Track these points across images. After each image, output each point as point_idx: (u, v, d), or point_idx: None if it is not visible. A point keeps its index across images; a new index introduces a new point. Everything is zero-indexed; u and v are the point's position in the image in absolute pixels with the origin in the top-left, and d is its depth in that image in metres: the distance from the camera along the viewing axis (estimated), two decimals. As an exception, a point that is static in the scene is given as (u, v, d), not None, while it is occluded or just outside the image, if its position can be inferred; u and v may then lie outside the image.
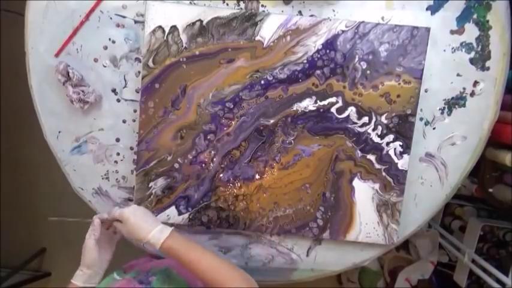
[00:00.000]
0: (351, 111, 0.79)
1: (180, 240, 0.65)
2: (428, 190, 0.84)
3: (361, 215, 0.82)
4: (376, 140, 0.80)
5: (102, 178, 0.86)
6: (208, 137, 0.80)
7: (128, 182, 0.85)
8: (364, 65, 0.77)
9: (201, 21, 0.77)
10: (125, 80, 0.81)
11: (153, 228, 0.65)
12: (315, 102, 0.79)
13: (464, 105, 0.81)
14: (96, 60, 0.81)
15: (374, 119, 0.79)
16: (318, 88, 0.78)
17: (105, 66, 0.81)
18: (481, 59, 0.79)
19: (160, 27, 0.77)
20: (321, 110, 0.79)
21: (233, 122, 0.80)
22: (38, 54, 0.81)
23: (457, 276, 1.26)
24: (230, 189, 0.82)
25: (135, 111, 0.82)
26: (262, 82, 0.78)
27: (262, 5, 0.79)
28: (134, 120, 0.82)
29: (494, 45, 0.78)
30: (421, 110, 0.81)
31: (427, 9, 0.78)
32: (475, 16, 0.78)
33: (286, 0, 0.78)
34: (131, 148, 0.84)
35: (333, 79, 0.78)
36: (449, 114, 0.81)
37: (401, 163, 0.80)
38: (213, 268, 0.63)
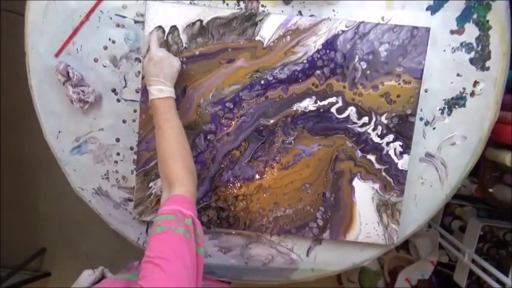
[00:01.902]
0: (351, 111, 0.79)
1: (168, 108, 0.70)
2: (428, 190, 0.84)
3: (361, 215, 0.82)
4: (376, 140, 0.80)
5: (102, 178, 0.86)
6: (208, 137, 0.80)
7: (127, 182, 0.85)
8: (364, 65, 0.77)
9: (201, 21, 0.77)
10: (125, 80, 0.81)
11: (157, 84, 0.70)
12: (315, 102, 0.79)
13: (464, 105, 0.81)
14: (96, 60, 0.81)
15: (374, 119, 0.79)
16: (318, 88, 0.78)
17: (105, 66, 0.81)
18: (481, 59, 0.79)
19: (160, 27, 0.77)
20: (321, 110, 0.79)
21: (233, 122, 0.80)
22: (38, 54, 0.81)
23: (457, 276, 1.26)
24: (230, 189, 0.82)
25: (135, 111, 0.82)
26: (262, 82, 0.78)
27: (262, 5, 0.79)
28: (134, 120, 0.82)
29: (494, 45, 0.78)
30: (421, 110, 0.81)
31: (427, 9, 0.78)
32: (475, 16, 0.78)
33: (286, 0, 0.78)
34: (131, 148, 0.84)
35: (333, 79, 0.78)
36: (449, 114, 0.81)
37: (401, 163, 0.80)
38: (166, 148, 0.67)
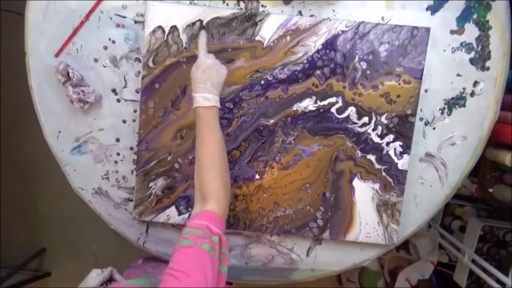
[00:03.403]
0: (351, 111, 0.79)
1: (212, 118, 0.69)
2: (428, 190, 0.84)
3: (361, 215, 0.82)
4: (376, 140, 0.80)
5: (102, 178, 0.86)
6: (208, 137, 0.80)
7: (128, 182, 0.85)
8: (364, 65, 0.77)
9: (201, 21, 0.77)
10: (125, 80, 0.81)
11: (204, 91, 0.69)
12: (315, 102, 0.79)
13: (464, 105, 0.81)
14: (96, 60, 0.81)
15: (374, 119, 0.79)
16: (318, 88, 0.78)
17: (105, 66, 0.81)
18: (481, 59, 0.79)
19: (160, 27, 0.77)
20: (321, 110, 0.79)
21: (233, 122, 0.80)
22: (38, 54, 0.81)
23: (457, 276, 1.26)
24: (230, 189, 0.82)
25: (135, 111, 0.82)
26: (262, 82, 0.78)
27: (262, 5, 0.79)
28: (134, 120, 0.82)
29: (494, 45, 0.78)
30: (421, 110, 0.81)
31: (427, 9, 0.78)
32: (475, 16, 0.78)
33: (286, 0, 0.78)
34: (131, 148, 0.84)
35: (333, 79, 0.78)
36: (449, 114, 0.81)
37: (401, 163, 0.80)
38: (208, 161, 0.66)
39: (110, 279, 0.68)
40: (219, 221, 0.61)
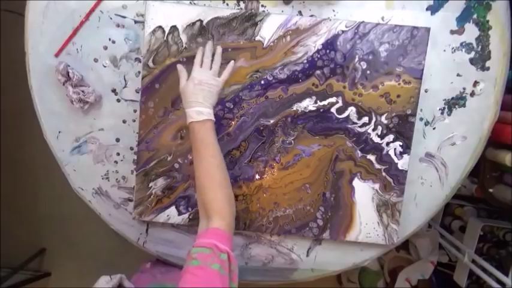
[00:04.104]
0: (351, 111, 0.79)
1: (206, 132, 0.68)
2: (428, 190, 0.84)
3: (361, 215, 0.82)
4: (376, 140, 0.80)
5: (102, 178, 0.86)
6: (208, 137, 0.80)
7: (128, 182, 0.85)
8: (364, 65, 0.77)
9: (201, 21, 0.77)
10: (125, 80, 0.81)
11: (196, 105, 0.69)
12: (315, 102, 0.79)
13: (464, 105, 0.81)
14: (96, 60, 0.81)
15: (374, 119, 0.79)
16: (318, 88, 0.78)
17: (105, 66, 0.81)
18: (481, 59, 0.79)
19: (160, 27, 0.77)
20: (321, 110, 0.79)
21: (233, 122, 0.80)
22: (38, 54, 0.81)
23: (457, 276, 1.26)
24: (230, 189, 0.82)
25: (135, 111, 0.82)
26: (262, 82, 0.78)
27: (262, 5, 0.79)
28: (134, 120, 0.82)
29: (494, 45, 0.78)
30: (421, 110, 0.81)
31: (427, 9, 0.78)
32: (475, 16, 0.78)
33: (286, 0, 0.78)
34: (131, 148, 0.84)
35: (333, 79, 0.78)
36: (449, 114, 0.81)
37: (401, 163, 0.80)
38: (207, 177, 0.66)
39: (119, 287, 0.67)
40: (226, 237, 0.60)
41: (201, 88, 0.70)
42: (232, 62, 0.76)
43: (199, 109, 0.68)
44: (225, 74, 0.75)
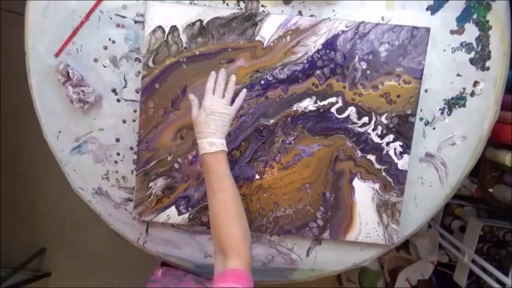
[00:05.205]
0: (351, 111, 0.79)
1: (219, 164, 0.66)
2: (428, 190, 0.84)
3: (361, 215, 0.82)
4: (376, 140, 0.80)
5: (102, 178, 0.86)
6: (208, 137, 0.80)
7: (128, 182, 0.85)
8: (364, 65, 0.77)
9: (201, 21, 0.77)
10: (125, 80, 0.81)
11: (208, 136, 0.67)
12: (315, 102, 0.79)
13: (464, 105, 0.81)
14: (96, 60, 0.81)
15: (374, 119, 0.79)
16: (318, 88, 0.78)
17: (105, 66, 0.81)
18: (481, 59, 0.79)
19: (160, 27, 0.77)
20: (321, 110, 0.79)
21: (233, 122, 0.80)
22: (38, 54, 0.81)
23: (457, 276, 1.26)
24: (230, 189, 0.82)
25: (135, 111, 0.82)
26: (262, 82, 0.78)
27: (262, 5, 0.79)
28: (134, 120, 0.82)
29: (494, 45, 0.78)
30: (421, 110, 0.81)
31: (427, 9, 0.78)
32: (475, 16, 0.78)
33: (286, 0, 0.78)
34: (131, 148, 0.84)
35: (333, 79, 0.78)
36: (449, 114, 0.81)
37: (401, 163, 0.80)
38: (221, 212, 0.64)
39: None
40: (245, 278, 0.58)
41: (213, 118, 0.68)
42: (244, 90, 0.75)
43: (212, 140, 0.66)
44: (237, 101, 0.73)
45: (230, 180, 0.67)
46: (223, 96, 0.71)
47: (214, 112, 0.68)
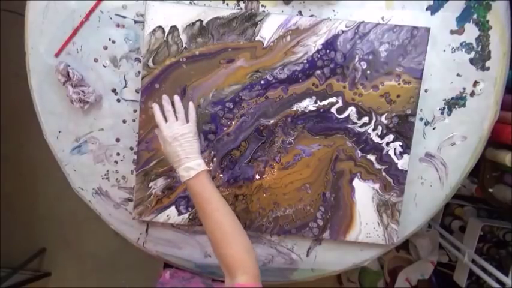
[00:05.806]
0: (351, 111, 0.79)
1: (203, 186, 0.66)
2: (428, 190, 0.84)
3: (361, 215, 0.82)
4: (376, 140, 0.80)
5: (102, 178, 0.86)
6: (208, 137, 0.80)
7: (128, 182, 0.85)
8: (364, 65, 0.77)
9: (201, 21, 0.77)
10: (125, 80, 0.81)
11: (181, 163, 0.67)
12: (315, 102, 0.79)
13: (464, 105, 0.81)
14: (96, 60, 0.81)
15: (374, 119, 0.79)
16: (318, 88, 0.78)
17: (105, 66, 0.81)
18: (481, 59, 0.79)
19: (160, 27, 0.77)
20: (321, 110, 0.79)
21: (233, 122, 0.80)
22: (38, 54, 0.81)
23: (457, 276, 1.26)
24: (230, 189, 0.82)
25: (135, 111, 0.82)
26: (262, 82, 0.78)
27: (262, 5, 0.79)
28: (134, 120, 0.82)
29: (494, 45, 0.78)
30: (421, 110, 0.81)
31: (427, 9, 0.78)
32: (475, 16, 0.78)
33: (286, 0, 0.78)
34: (131, 148, 0.84)
35: (333, 79, 0.78)
36: (449, 114, 0.81)
37: (401, 163, 0.80)
38: (218, 233, 0.63)
39: None
40: None
41: (178, 144, 0.68)
42: (190, 102, 0.74)
43: (187, 165, 0.66)
44: (191, 115, 0.72)
45: (218, 198, 0.66)
46: (177, 119, 0.71)
47: (176, 138, 0.68)
